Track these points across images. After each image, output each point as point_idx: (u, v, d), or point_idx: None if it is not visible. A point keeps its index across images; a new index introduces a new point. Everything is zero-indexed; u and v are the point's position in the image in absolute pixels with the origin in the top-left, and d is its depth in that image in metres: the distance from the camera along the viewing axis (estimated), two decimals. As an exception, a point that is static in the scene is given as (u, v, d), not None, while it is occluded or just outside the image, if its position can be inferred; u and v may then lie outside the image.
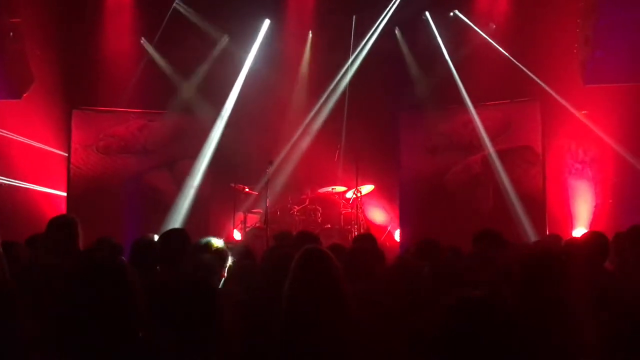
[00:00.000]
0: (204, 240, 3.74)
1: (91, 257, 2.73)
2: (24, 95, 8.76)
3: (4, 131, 8.92)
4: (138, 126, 9.73)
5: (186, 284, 2.65)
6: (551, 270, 2.69)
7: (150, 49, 9.95)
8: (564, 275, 2.68)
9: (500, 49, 9.21)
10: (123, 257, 3.73)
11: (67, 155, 9.42)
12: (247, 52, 10.15)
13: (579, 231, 8.59)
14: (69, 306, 2.15)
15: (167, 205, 9.40)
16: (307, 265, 2.90)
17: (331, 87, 10.05)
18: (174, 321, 2.46)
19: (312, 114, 10.09)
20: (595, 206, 8.71)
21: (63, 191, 9.40)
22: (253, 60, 10.15)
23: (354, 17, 9.99)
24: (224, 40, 10.10)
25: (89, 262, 2.30)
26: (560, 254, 2.92)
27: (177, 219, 9.18)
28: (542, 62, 8.75)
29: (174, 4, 9.68)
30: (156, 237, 4.20)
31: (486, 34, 9.43)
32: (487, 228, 4.67)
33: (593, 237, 4.20)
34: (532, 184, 8.90)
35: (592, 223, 8.67)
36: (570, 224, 8.87)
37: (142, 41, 9.96)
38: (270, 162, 8.71)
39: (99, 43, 9.62)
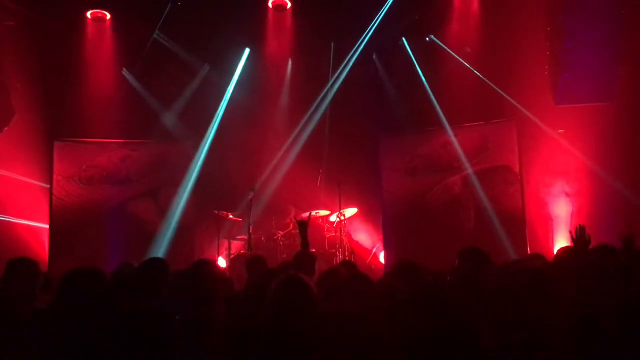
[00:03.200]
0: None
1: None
2: (5, 128, 8.78)
3: (-15, 165, 8.90)
4: (120, 156, 9.77)
5: (162, 315, 2.68)
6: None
7: (131, 79, 10.04)
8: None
9: (476, 71, 9.42)
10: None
11: (49, 187, 9.41)
12: (228, 80, 10.29)
13: (560, 246, 8.72)
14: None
15: (151, 233, 9.40)
16: (285, 290, 2.97)
17: (311, 112, 10.20)
18: (149, 352, 2.49)
19: (292, 139, 10.21)
20: (572, 223, 8.86)
21: (46, 223, 9.36)
22: (234, 88, 10.28)
23: (332, 43, 10.20)
24: (205, 69, 10.23)
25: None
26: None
27: (161, 247, 9.19)
28: (516, 83, 8.95)
29: (154, 35, 9.80)
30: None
31: (461, 58, 9.65)
32: (473, 246, 4.58)
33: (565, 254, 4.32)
34: (511, 202, 9.05)
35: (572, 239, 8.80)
36: (551, 241, 9.01)
37: (123, 72, 10.06)
38: (252, 189, 8.80)
39: (80, 74, 9.69)
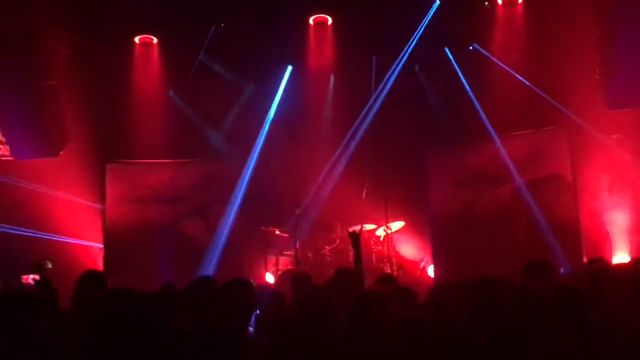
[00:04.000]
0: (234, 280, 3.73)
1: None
2: (61, 153, 9.14)
3: (44, 188, 9.27)
4: (169, 176, 9.99)
5: (213, 332, 2.70)
6: None
7: (178, 101, 10.31)
8: None
9: (522, 79, 9.20)
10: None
11: (102, 207, 9.71)
12: (271, 98, 10.40)
13: (619, 257, 8.38)
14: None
15: (200, 251, 9.54)
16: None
17: (355, 127, 10.18)
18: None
19: (337, 154, 10.20)
20: (632, 233, 8.48)
21: (100, 243, 9.65)
22: (278, 106, 10.39)
23: (373, 57, 10.18)
24: (249, 88, 10.39)
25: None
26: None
27: (210, 265, 9.30)
28: (565, 89, 8.71)
29: (199, 57, 10.03)
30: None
31: (507, 65, 9.44)
32: (540, 259, 4.59)
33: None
34: (564, 212, 8.75)
35: (632, 249, 8.44)
36: (608, 251, 8.64)
37: (170, 94, 10.33)
38: (298, 205, 8.83)
39: (129, 98, 10.00)
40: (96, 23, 9.36)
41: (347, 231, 5.08)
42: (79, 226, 9.57)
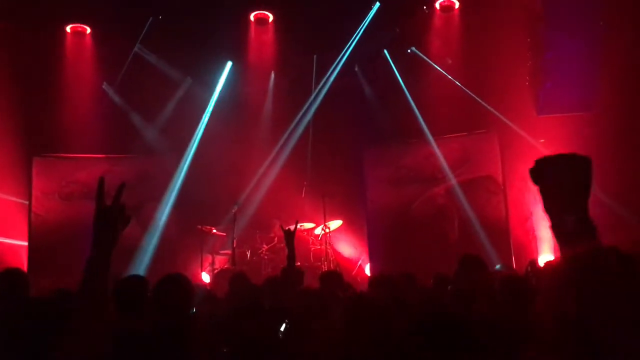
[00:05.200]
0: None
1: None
2: (-18, 144, 8.63)
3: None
4: (101, 171, 9.59)
5: (158, 330, 2.60)
6: None
7: (112, 93, 9.95)
8: None
9: (457, 82, 9.48)
10: None
11: (27, 203, 9.23)
12: (210, 93, 10.23)
13: (545, 257, 8.76)
14: None
15: (132, 249, 9.22)
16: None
17: (294, 124, 10.17)
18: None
19: (275, 152, 10.16)
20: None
21: (24, 240, 9.16)
22: (216, 102, 10.23)
23: (314, 56, 10.21)
24: (187, 82, 10.17)
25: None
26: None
27: (143, 263, 9.03)
28: (498, 94, 9.03)
29: (135, 48, 9.73)
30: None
31: (443, 69, 9.71)
32: (470, 253, 4.71)
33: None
34: (495, 212, 9.08)
35: (556, 248, 8.82)
36: (535, 250, 9.03)
37: (103, 86, 9.96)
38: (236, 203, 8.72)
39: (59, 89, 9.57)
40: (22, 7, 8.86)
41: (282, 228, 5.02)
42: (2, 223, 9.06)
